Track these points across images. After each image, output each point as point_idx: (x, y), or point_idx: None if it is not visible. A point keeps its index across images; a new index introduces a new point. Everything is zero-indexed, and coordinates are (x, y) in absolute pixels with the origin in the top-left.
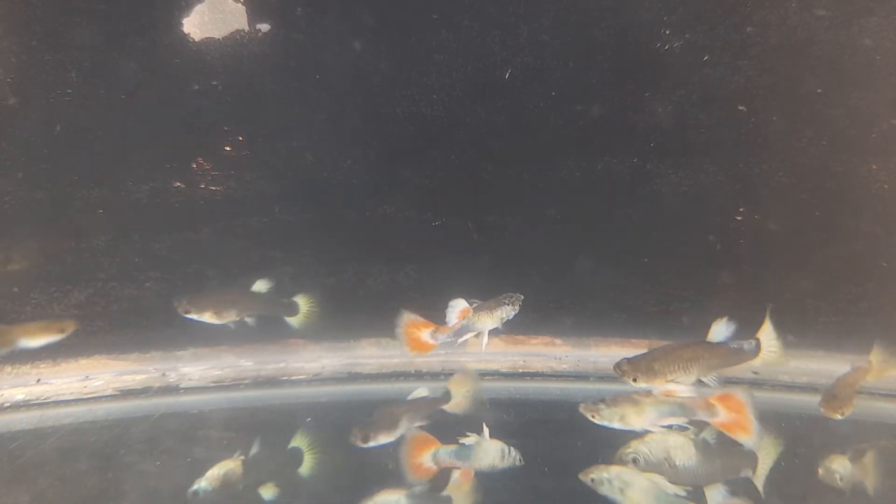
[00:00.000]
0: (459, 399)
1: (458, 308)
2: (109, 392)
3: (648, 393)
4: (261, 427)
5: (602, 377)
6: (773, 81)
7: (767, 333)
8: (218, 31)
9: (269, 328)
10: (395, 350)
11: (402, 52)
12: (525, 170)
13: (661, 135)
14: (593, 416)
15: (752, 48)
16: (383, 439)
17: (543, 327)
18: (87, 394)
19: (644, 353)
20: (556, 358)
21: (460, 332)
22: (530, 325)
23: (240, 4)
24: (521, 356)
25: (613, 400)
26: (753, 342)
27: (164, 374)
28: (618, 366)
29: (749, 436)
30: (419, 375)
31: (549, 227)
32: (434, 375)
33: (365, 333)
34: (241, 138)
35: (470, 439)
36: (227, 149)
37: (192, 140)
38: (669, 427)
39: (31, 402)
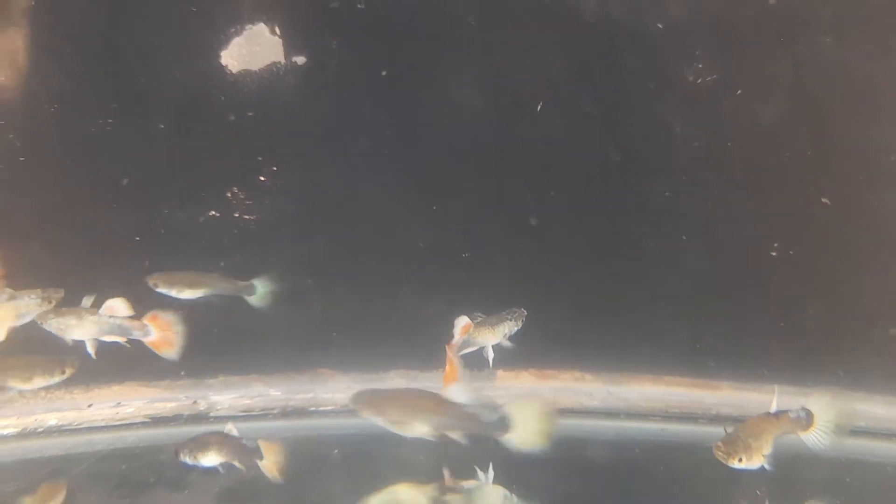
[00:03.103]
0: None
1: (461, 324)
2: (140, 419)
3: (93, 311)
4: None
5: (632, 414)
6: (807, 114)
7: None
8: (255, 64)
9: (298, 357)
10: (424, 383)
11: (433, 80)
12: (555, 201)
13: (693, 168)
14: None
15: (786, 81)
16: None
17: (574, 362)
18: (118, 420)
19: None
20: (586, 394)
21: (461, 346)
22: (560, 360)
23: (276, 37)
24: (552, 391)
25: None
26: (804, 413)
27: (194, 402)
28: (717, 448)
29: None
30: None
31: (580, 260)
32: None
33: (393, 365)
34: (274, 168)
35: (471, 483)
36: (262, 178)
37: (228, 170)
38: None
39: (64, 428)
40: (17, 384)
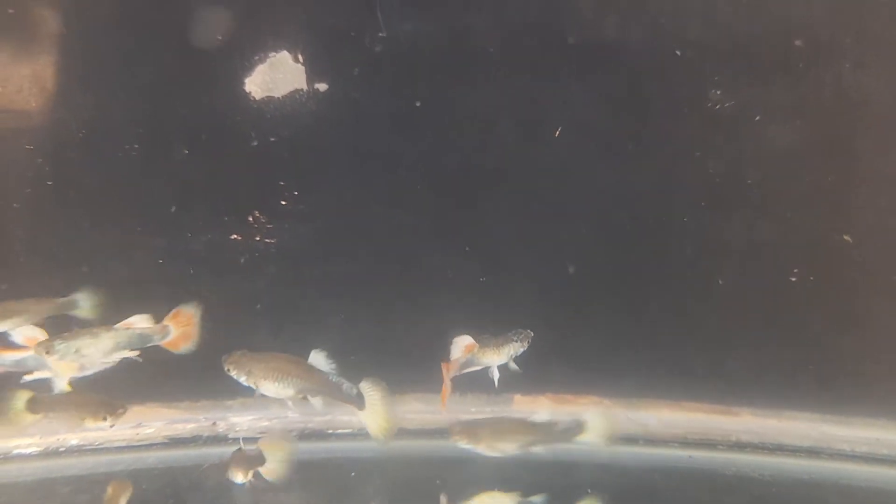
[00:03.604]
0: (274, 464)
1: (462, 344)
2: (160, 440)
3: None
4: (306, 481)
5: (652, 441)
6: (827, 140)
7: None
8: (278, 91)
9: None
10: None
11: (453, 107)
12: (576, 226)
13: (712, 194)
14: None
15: (806, 107)
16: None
17: (592, 387)
18: (138, 441)
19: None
20: None
21: (464, 365)
22: (579, 385)
23: (299, 65)
24: (569, 416)
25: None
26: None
27: (214, 424)
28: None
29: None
30: None
31: (600, 284)
32: None
33: (411, 388)
34: (296, 193)
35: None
36: (283, 203)
37: (250, 194)
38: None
39: (85, 448)
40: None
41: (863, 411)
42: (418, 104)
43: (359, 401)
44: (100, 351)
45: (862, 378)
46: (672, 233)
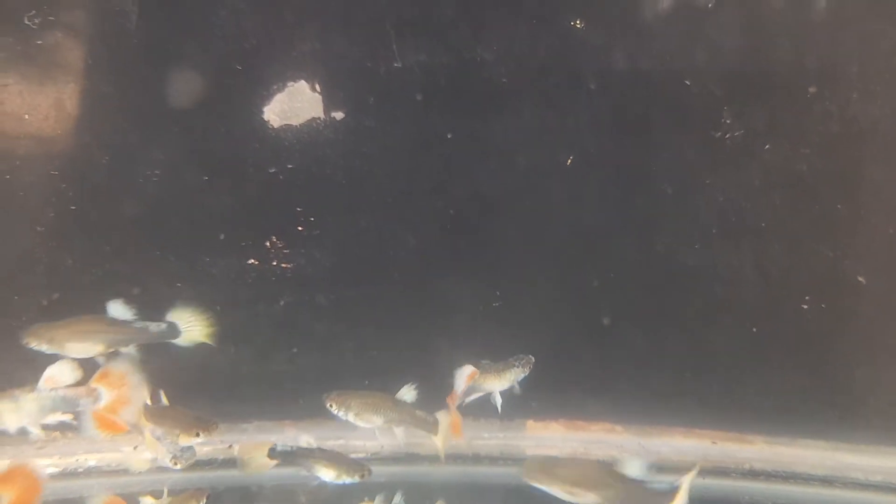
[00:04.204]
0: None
1: (465, 373)
2: None
3: (30, 388)
4: None
5: (664, 467)
6: (835, 169)
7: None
8: (295, 119)
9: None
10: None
11: (465, 136)
12: (585, 253)
13: (722, 222)
14: None
15: (813, 136)
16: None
17: (605, 413)
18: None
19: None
20: (617, 446)
21: (468, 392)
22: (591, 411)
23: (317, 94)
24: (582, 443)
25: None
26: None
27: (229, 447)
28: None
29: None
30: (477, 459)
31: (610, 311)
32: (493, 459)
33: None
34: (312, 219)
35: None
36: (300, 228)
37: (267, 220)
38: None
39: (103, 469)
40: (186, 439)
41: (877, 440)
42: (447, 135)
43: (172, 332)
44: (24, 416)
45: (876, 406)
46: (684, 260)
